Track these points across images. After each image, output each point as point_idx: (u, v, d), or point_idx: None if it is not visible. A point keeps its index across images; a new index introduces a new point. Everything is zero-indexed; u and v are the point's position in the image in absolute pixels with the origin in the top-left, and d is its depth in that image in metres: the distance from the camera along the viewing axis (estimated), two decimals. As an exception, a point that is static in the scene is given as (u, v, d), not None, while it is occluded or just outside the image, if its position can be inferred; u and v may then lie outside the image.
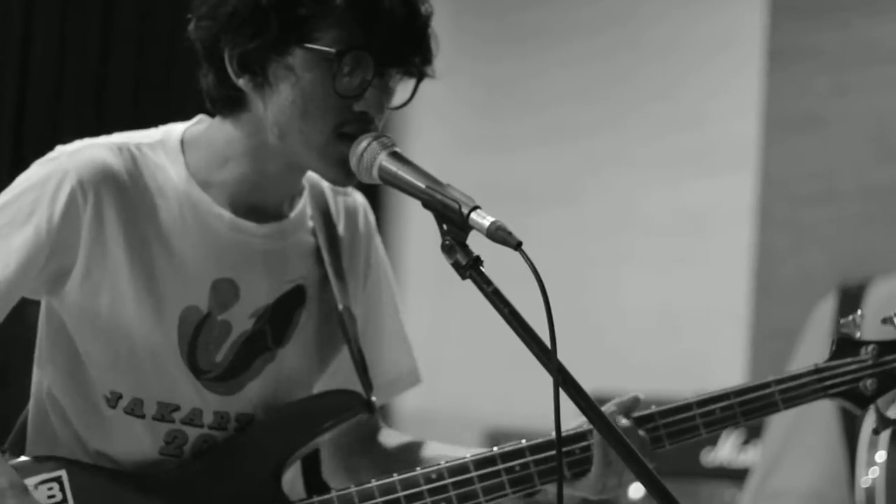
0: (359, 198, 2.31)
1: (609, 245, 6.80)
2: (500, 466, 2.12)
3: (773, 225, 6.36)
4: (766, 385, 2.18)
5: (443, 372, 7.33)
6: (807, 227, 6.20)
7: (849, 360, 2.19)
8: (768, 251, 6.27)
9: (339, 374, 2.26)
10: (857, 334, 2.21)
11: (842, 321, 2.21)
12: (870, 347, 2.20)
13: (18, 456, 2.13)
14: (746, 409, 2.18)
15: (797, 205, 6.29)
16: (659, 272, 6.67)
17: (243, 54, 2.02)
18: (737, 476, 5.09)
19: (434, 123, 7.01)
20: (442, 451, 2.25)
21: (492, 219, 1.81)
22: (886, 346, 2.20)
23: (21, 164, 2.14)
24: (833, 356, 2.20)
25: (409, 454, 2.28)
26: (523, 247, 1.78)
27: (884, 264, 5.54)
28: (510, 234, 1.79)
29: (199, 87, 2.10)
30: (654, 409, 2.18)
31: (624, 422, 2.15)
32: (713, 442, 5.14)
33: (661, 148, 6.72)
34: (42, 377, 2.18)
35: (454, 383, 7.17)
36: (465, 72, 6.89)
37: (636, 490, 5.03)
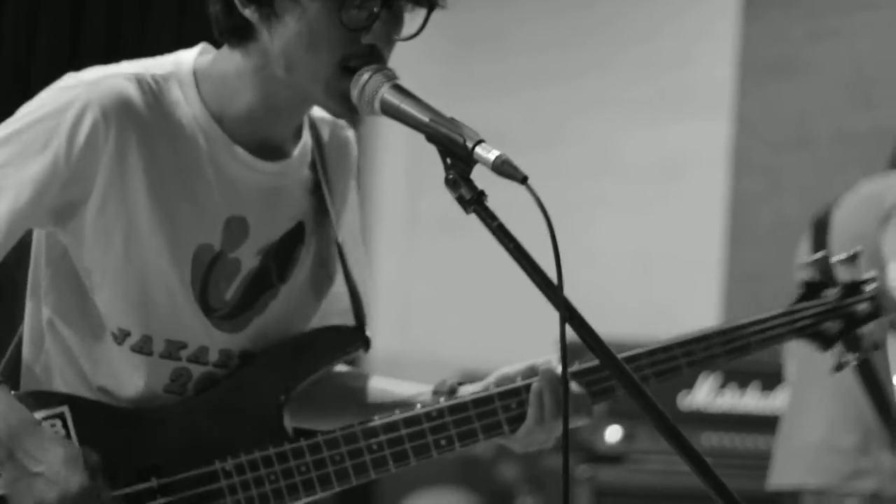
0: (350, 133, 2.28)
1: (585, 190, 6.79)
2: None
3: (747, 170, 6.36)
4: (743, 326, 2.25)
5: (414, 315, 7.33)
6: (782, 173, 6.20)
7: (815, 301, 2.28)
8: (743, 196, 6.27)
9: (329, 309, 2.24)
10: (818, 277, 2.29)
11: (805, 262, 2.31)
12: (835, 290, 2.28)
13: (12, 388, 2.08)
14: (729, 348, 2.24)
15: (772, 150, 6.29)
16: (634, 216, 6.67)
17: None
18: (713, 420, 5.11)
19: (414, 70, 6.96)
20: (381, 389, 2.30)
21: (497, 152, 1.78)
22: (849, 289, 2.29)
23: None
24: (801, 298, 2.29)
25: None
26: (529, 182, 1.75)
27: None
28: (516, 168, 1.76)
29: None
30: (638, 350, 2.23)
31: (573, 386, 2.17)
32: (689, 385, 5.14)
33: (639, 93, 6.70)
34: (40, 309, 2.12)
35: (425, 326, 7.17)
36: (446, 18, 6.86)
37: (612, 433, 5.04)
